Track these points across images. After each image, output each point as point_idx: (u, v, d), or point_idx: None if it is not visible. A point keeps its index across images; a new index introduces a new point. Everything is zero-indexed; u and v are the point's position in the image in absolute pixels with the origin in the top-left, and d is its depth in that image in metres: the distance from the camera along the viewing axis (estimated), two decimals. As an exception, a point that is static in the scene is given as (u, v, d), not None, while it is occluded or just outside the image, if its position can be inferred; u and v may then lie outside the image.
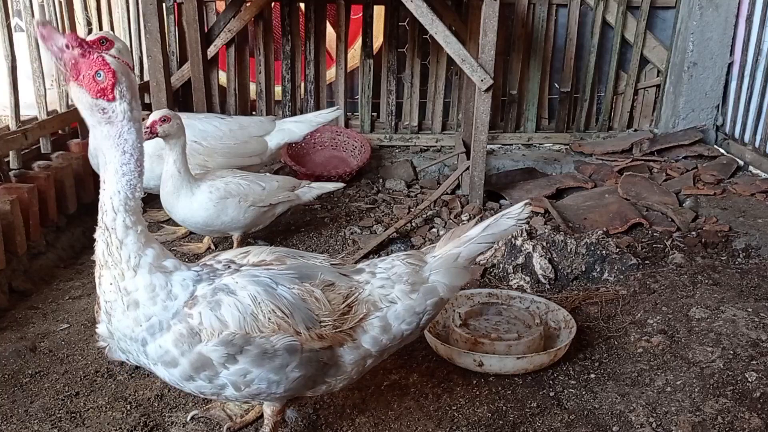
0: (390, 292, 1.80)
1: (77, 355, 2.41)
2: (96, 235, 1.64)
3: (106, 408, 2.12)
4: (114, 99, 1.50)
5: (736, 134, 4.67)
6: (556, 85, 5.05)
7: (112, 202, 1.59)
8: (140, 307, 1.59)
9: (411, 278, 1.82)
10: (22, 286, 2.86)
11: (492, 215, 3.85)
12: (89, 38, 3.05)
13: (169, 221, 3.44)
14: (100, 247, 1.62)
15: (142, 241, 1.61)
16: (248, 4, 4.53)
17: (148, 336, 1.60)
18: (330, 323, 1.70)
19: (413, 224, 3.63)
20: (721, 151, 4.69)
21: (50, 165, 3.33)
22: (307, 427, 2.07)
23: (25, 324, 2.62)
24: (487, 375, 2.34)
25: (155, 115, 2.72)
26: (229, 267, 1.72)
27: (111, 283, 1.60)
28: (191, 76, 4.27)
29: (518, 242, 3.08)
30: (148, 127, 2.70)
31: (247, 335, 1.61)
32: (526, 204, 1.88)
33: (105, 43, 3.04)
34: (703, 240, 3.41)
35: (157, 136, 2.73)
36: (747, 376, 2.29)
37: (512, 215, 1.87)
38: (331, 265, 1.83)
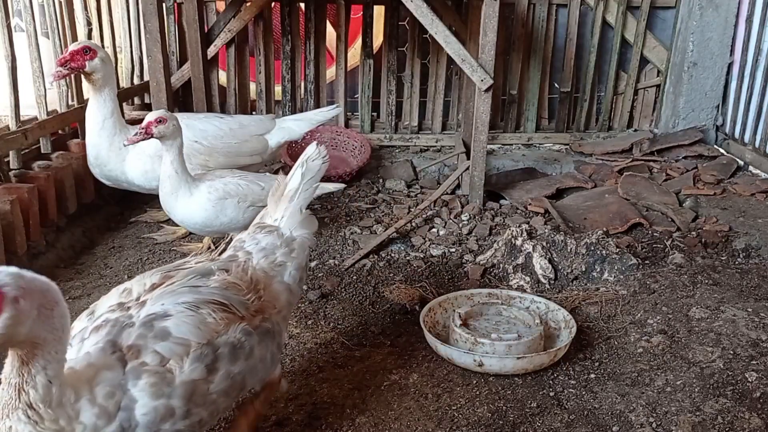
0: (275, 258, 1.94)
1: (77, 355, 2.40)
2: (12, 422, 1.32)
3: (106, 408, 2.11)
4: (5, 303, 1.20)
5: (736, 134, 4.67)
6: (556, 85, 5.05)
7: (46, 372, 1.31)
8: None
9: (284, 242, 1.99)
10: (22, 286, 2.86)
11: (491, 215, 3.85)
12: (72, 48, 3.03)
13: (169, 221, 3.44)
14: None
15: (72, 399, 1.37)
16: (248, 4, 4.53)
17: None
18: (254, 298, 1.76)
19: (413, 224, 3.63)
20: (721, 151, 4.69)
21: (50, 165, 3.33)
22: (307, 426, 2.07)
23: (25, 324, 2.61)
24: (487, 375, 2.34)
25: (151, 116, 2.72)
26: (129, 308, 1.57)
27: None
28: (191, 76, 4.27)
29: (518, 242, 3.08)
30: (143, 128, 2.70)
31: (209, 341, 1.57)
32: (318, 145, 2.14)
33: (89, 52, 3.02)
34: (703, 240, 3.41)
35: (152, 137, 2.72)
36: (747, 376, 2.29)
37: (314, 156, 2.10)
38: (207, 261, 1.87)
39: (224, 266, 1.81)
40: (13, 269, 1.25)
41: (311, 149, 2.12)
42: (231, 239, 2.08)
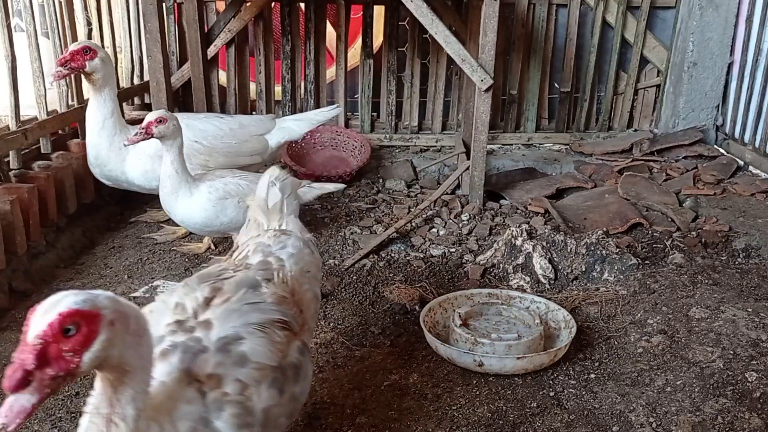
0: (303, 264, 1.90)
1: (77, 355, 2.40)
2: None
3: (106, 408, 2.11)
4: (102, 325, 1.17)
5: (736, 134, 4.67)
6: (556, 85, 5.05)
7: (135, 404, 1.25)
8: None
9: (305, 244, 1.98)
10: (23, 286, 2.86)
11: (491, 215, 3.85)
12: (72, 48, 3.03)
13: (169, 221, 3.44)
14: None
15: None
16: (248, 4, 4.53)
17: None
18: (298, 311, 1.72)
19: (413, 224, 3.63)
20: (721, 151, 4.69)
21: (50, 165, 3.32)
22: (307, 426, 2.07)
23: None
24: (487, 375, 2.34)
25: (151, 116, 2.72)
26: (192, 329, 1.49)
27: None
28: (191, 76, 4.27)
29: (518, 242, 3.08)
30: (143, 128, 2.70)
31: (279, 364, 1.55)
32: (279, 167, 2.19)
33: (89, 52, 3.02)
34: (703, 240, 3.41)
35: (152, 137, 2.72)
36: (747, 376, 2.29)
37: (281, 177, 2.13)
38: (246, 269, 1.80)
39: (268, 276, 1.74)
40: (110, 294, 1.24)
41: (274, 172, 2.13)
42: (246, 243, 2.03)
